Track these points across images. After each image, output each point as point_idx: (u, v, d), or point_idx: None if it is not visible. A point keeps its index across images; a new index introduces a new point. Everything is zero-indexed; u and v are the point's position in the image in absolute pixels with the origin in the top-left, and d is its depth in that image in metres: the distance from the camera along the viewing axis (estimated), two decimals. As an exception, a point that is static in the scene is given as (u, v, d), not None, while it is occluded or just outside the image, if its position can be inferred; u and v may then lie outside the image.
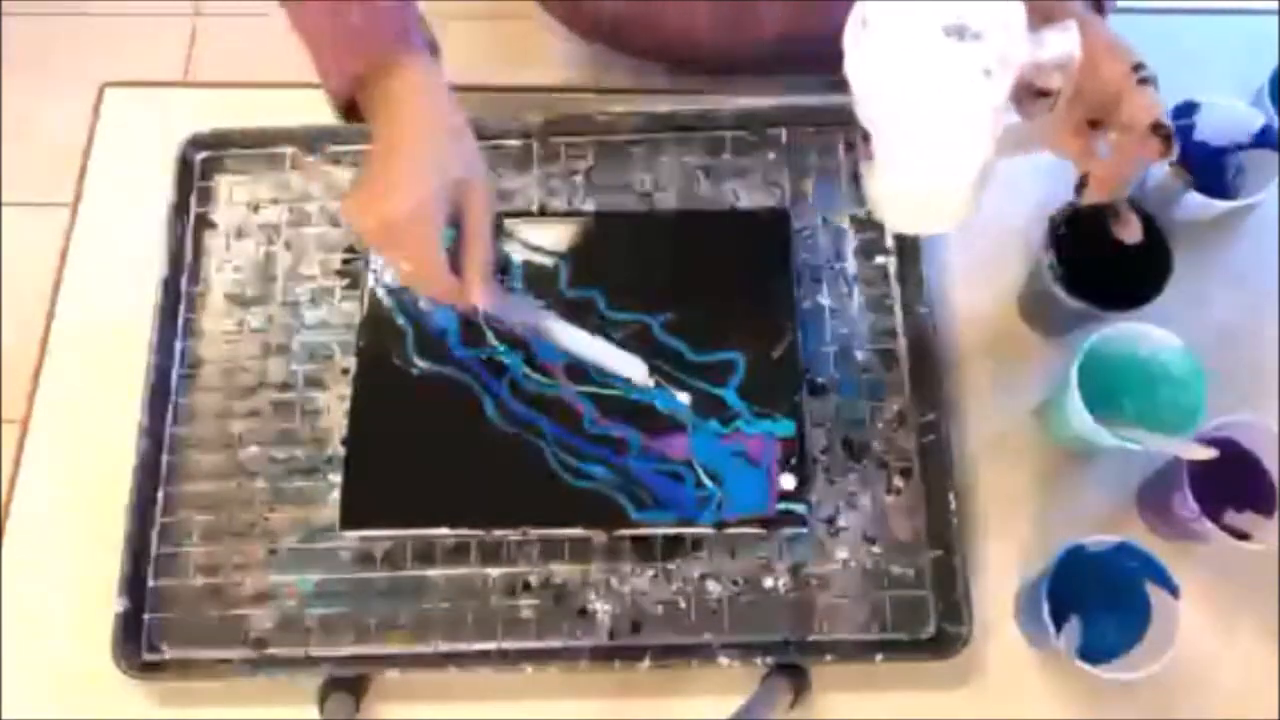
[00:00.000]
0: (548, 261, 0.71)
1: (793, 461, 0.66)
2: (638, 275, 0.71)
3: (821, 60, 0.81)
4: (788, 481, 0.65)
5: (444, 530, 0.65)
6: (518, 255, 0.71)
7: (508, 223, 0.72)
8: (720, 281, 0.71)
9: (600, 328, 0.68)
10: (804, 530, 0.65)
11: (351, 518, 0.66)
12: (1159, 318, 0.64)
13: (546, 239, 0.72)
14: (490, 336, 0.69)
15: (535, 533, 0.66)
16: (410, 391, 0.68)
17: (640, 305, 0.69)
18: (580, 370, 0.68)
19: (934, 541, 0.67)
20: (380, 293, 0.70)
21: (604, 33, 0.85)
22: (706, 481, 0.65)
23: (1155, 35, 0.80)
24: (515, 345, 0.69)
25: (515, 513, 0.66)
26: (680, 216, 0.74)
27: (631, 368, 0.67)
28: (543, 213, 0.75)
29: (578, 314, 0.68)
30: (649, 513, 0.65)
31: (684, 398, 0.67)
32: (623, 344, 0.68)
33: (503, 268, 0.71)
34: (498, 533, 0.66)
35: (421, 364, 0.68)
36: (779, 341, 0.69)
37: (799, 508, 0.65)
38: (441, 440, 0.67)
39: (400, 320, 0.69)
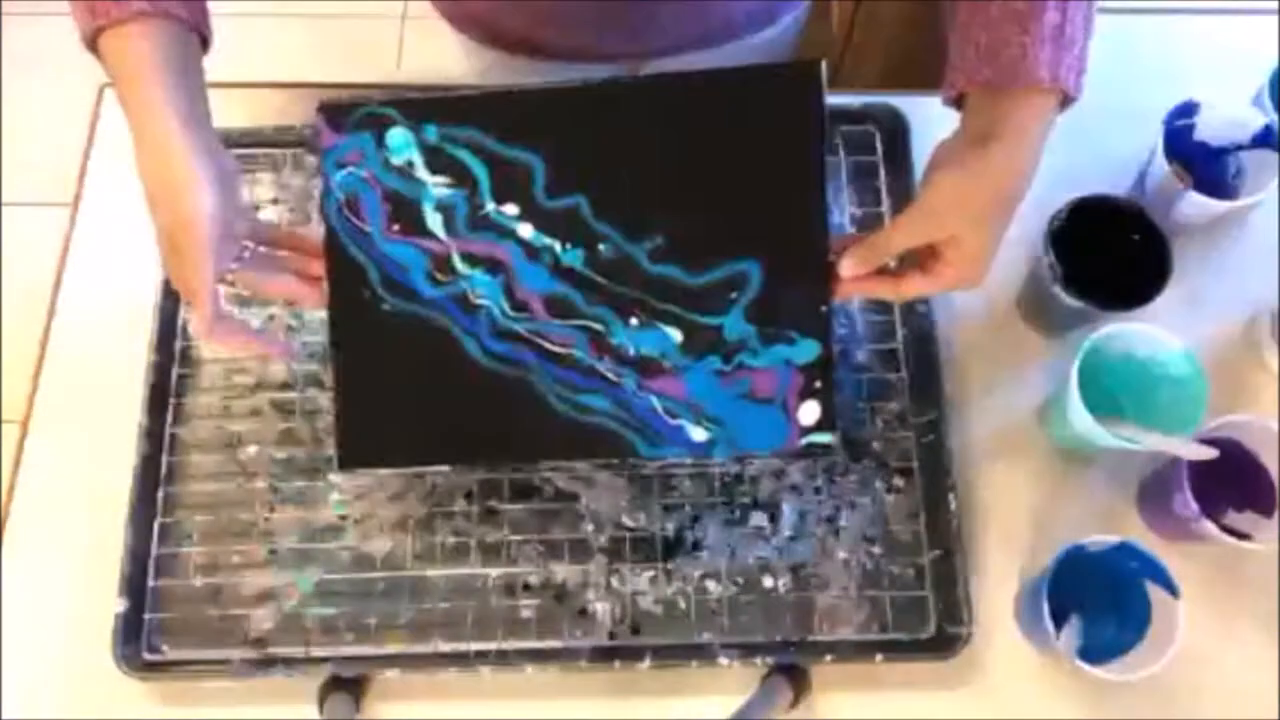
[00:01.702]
0: (521, 159, 0.61)
1: (817, 386, 0.59)
2: (628, 171, 0.61)
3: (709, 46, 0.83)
4: (809, 413, 0.60)
5: (444, 468, 0.63)
6: (480, 156, 0.61)
7: (464, 111, 0.62)
8: (734, 165, 0.60)
9: (586, 259, 0.60)
10: (834, 460, 0.62)
11: (349, 457, 0.62)
12: (1159, 318, 0.64)
13: (516, 127, 0.62)
14: (459, 264, 0.61)
15: (546, 466, 0.64)
16: (387, 330, 0.61)
17: (630, 216, 0.60)
18: (561, 302, 0.61)
19: (934, 541, 0.67)
20: (333, 219, 0.62)
21: (494, 36, 0.85)
22: (706, 426, 0.60)
23: (1155, 35, 0.81)
24: (493, 269, 0.61)
25: (518, 449, 0.62)
26: (681, 83, 0.63)
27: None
28: (509, 93, 0.63)
29: (559, 229, 0.61)
30: (660, 448, 0.60)
31: (675, 334, 0.60)
32: (607, 287, 0.60)
33: (459, 177, 0.61)
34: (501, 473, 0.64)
35: (391, 301, 0.61)
36: (804, 235, 0.59)
37: (824, 438, 0.60)
38: (429, 380, 0.62)
39: (358, 255, 0.62)
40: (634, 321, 0.61)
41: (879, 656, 0.64)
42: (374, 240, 0.62)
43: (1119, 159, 0.74)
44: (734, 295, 0.60)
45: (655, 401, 0.61)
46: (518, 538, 0.67)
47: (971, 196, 0.55)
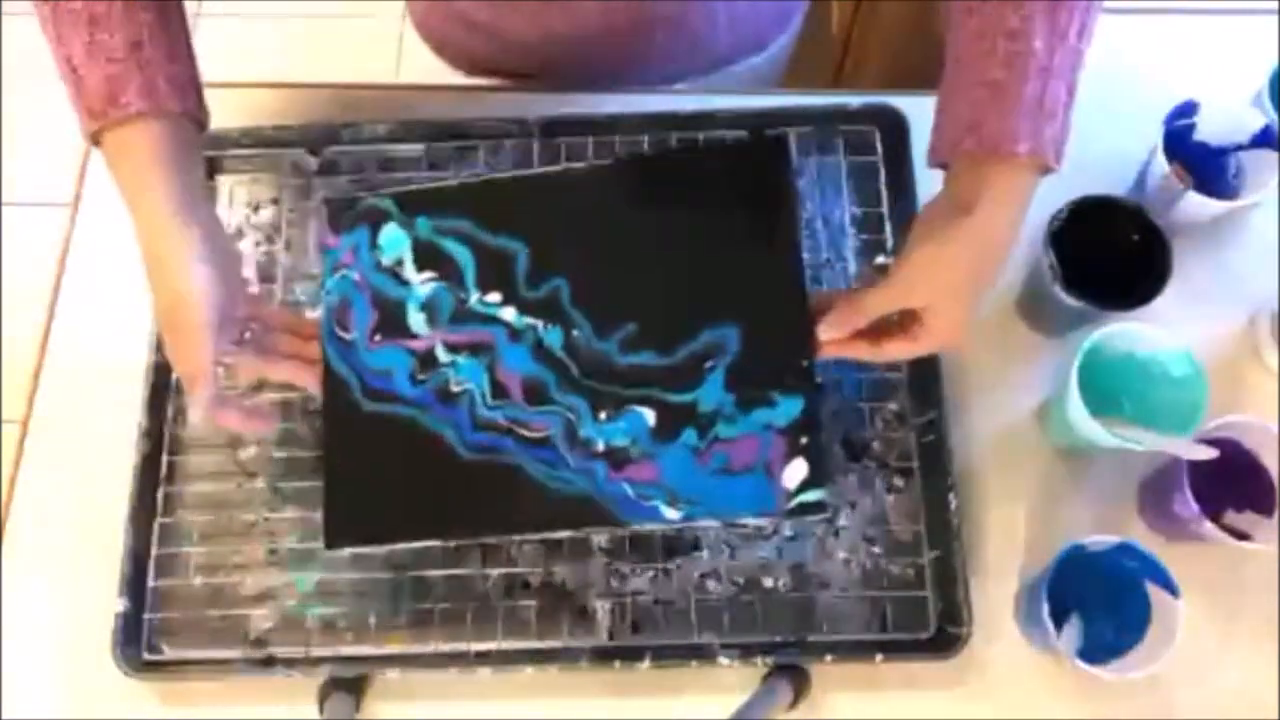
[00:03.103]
0: (506, 247, 0.66)
1: (803, 443, 0.60)
2: (607, 251, 0.64)
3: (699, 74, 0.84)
4: (796, 473, 0.60)
5: (433, 543, 0.65)
6: (468, 245, 0.66)
7: (456, 201, 0.67)
8: (710, 234, 0.64)
9: (564, 343, 0.64)
10: (826, 517, 0.61)
11: (336, 537, 0.64)
12: (1159, 318, 0.64)
13: (502, 215, 0.66)
14: (442, 354, 0.65)
15: (532, 538, 0.66)
16: (371, 428, 0.64)
17: (605, 304, 0.64)
18: (539, 387, 0.63)
19: (934, 541, 0.67)
20: (324, 328, 0.66)
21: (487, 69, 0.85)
22: (679, 507, 0.61)
23: (1155, 35, 0.81)
24: (476, 351, 0.64)
25: (505, 522, 0.63)
26: (656, 163, 0.68)
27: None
28: (481, 182, 0.69)
29: (540, 312, 0.64)
30: (641, 520, 0.62)
31: (648, 415, 0.62)
32: (579, 380, 0.63)
33: (446, 270, 0.66)
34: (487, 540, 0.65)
35: (372, 406, 0.65)
36: (782, 296, 0.61)
37: (813, 496, 0.60)
38: (412, 470, 0.64)
39: (341, 367, 0.66)
40: (603, 416, 0.63)
41: (879, 656, 0.64)
42: (357, 349, 0.66)
43: (1119, 159, 0.74)
44: (710, 364, 0.62)
45: (627, 488, 0.62)
46: (518, 537, 0.67)
47: (947, 268, 0.56)
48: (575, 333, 0.64)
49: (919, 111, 0.74)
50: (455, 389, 0.64)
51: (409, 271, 0.67)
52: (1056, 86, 0.55)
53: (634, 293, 0.64)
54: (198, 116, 0.60)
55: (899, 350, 0.59)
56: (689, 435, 0.62)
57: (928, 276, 0.56)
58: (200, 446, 0.71)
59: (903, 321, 0.59)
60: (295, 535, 0.68)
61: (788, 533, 0.67)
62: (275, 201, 0.77)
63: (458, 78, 0.88)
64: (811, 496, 0.60)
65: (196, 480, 0.70)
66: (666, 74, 0.83)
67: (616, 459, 0.62)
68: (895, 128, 0.75)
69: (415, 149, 0.77)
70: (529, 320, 0.65)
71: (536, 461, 0.62)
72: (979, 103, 0.55)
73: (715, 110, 0.77)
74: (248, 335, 0.61)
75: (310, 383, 0.65)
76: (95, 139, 0.58)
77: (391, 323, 0.66)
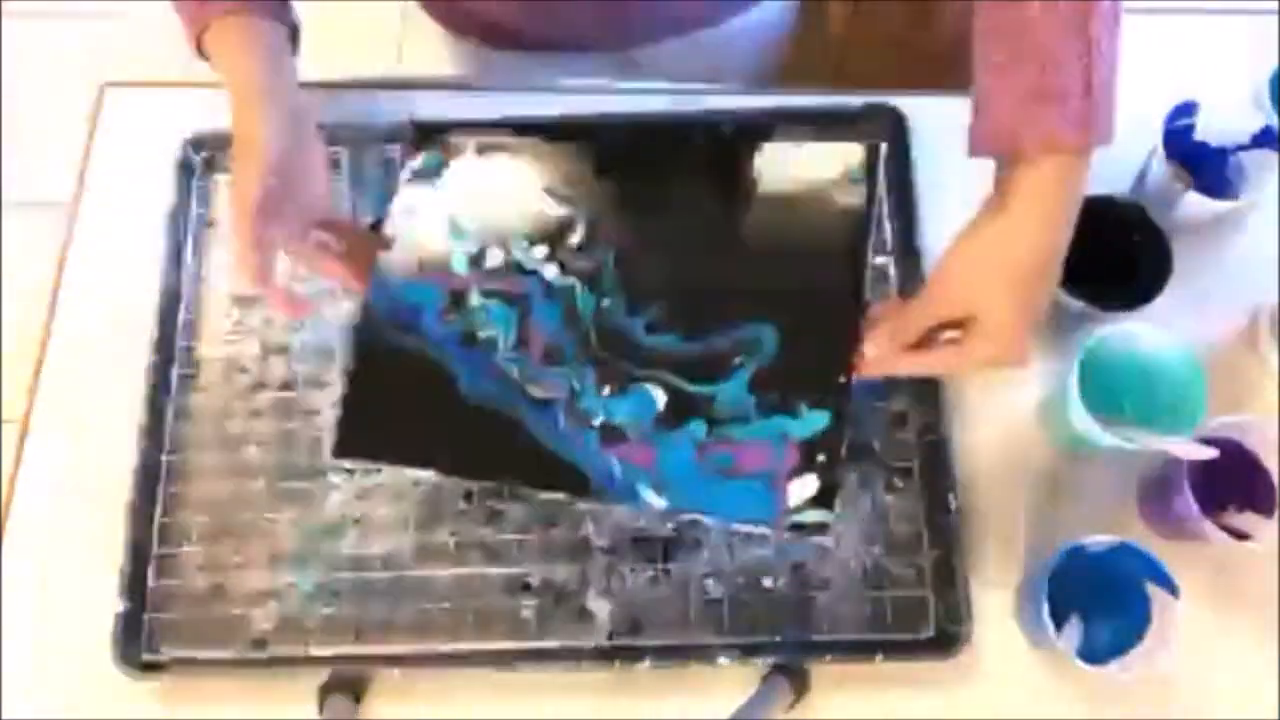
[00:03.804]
0: (564, 217, 0.66)
1: (819, 460, 0.57)
2: (663, 225, 0.64)
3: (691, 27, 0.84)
4: (803, 489, 0.57)
5: (428, 473, 0.64)
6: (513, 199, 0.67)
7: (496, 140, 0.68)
8: (776, 223, 0.62)
9: (594, 310, 0.63)
10: (826, 541, 0.58)
11: (346, 446, 0.64)
12: (1159, 318, 0.64)
13: (546, 171, 0.67)
14: (475, 298, 0.65)
15: (524, 490, 0.65)
16: (390, 353, 0.65)
17: (642, 281, 0.63)
18: (556, 349, 0.63)
19: (934, 541, 0.67)
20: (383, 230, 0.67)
21: (477, 27, 0.87)
22: (664, 497, 0.59)
23: (1155, 35, 0.81)
24: (511, 301, 0.64)
25: (505, 468, 0.63)
26: (743, 135, 0.66)
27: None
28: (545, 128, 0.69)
29: (582, 275, 0.64)
30: (623, 501, 0.62)
31: (659, 397, 0.61)
32: (596, 350, 0.63)
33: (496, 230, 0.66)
34: (475, 485, 0.65)
35: (394, 337, 0.65)
36: (835, 301, 0.58)
37: (817, 516, 0.57)
38: (422, 398, 0.64)
39: (375, 293, 0.66)
40: (607, 390, 0.62)
41: (879, 656, 0.64)
42: (394, 278, 0.66)
43: (1119, 159, 0.73)
44: (739, 360, 0.60)
45: (615, 466, 0.61)
46: (518, 538, 0.67)
47: (981, 269, 0.53)
48: (605, 302, 0.64)
49: (919, 111, 0.74)
50: (480, 334, 0.64)
51: (463, 219, 0.67)
52: (1066, 58, 0.51)
53: (677, 273, 0.63)
54: (286, 19, 0.66)
55: (948, 363, 0.56)
56: (696, 427, 0.60)
57: (962, 281, 0.54)
58: (200, 446, 0.71)
59: (957, 331, 0.56)
60: (295, 535, 0.68)
61: (788, 535, 0.67)
62: (275, 201, 0.77)
63: (456, 74, 0.88)
64: (813, 517, 0.57)
65: (196, 480, 0.70)
66: (647, 26, 0.83)
67: (611, 435, 0.61)
68: (895, 128, 0.75)
69: (415, 149, 0.77)
70: (567, 281, 0.64)
71: (537, 421, 0.62)
72: (987, 93, 0.54)
73: (715, 110, 0.77)
74: (313, 236, 0.65)
75: (356, 287, 0.66)
76: (200, 34, 0.63)
77: (436, 259, 0.66)
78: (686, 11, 0.84)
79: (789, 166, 0.63)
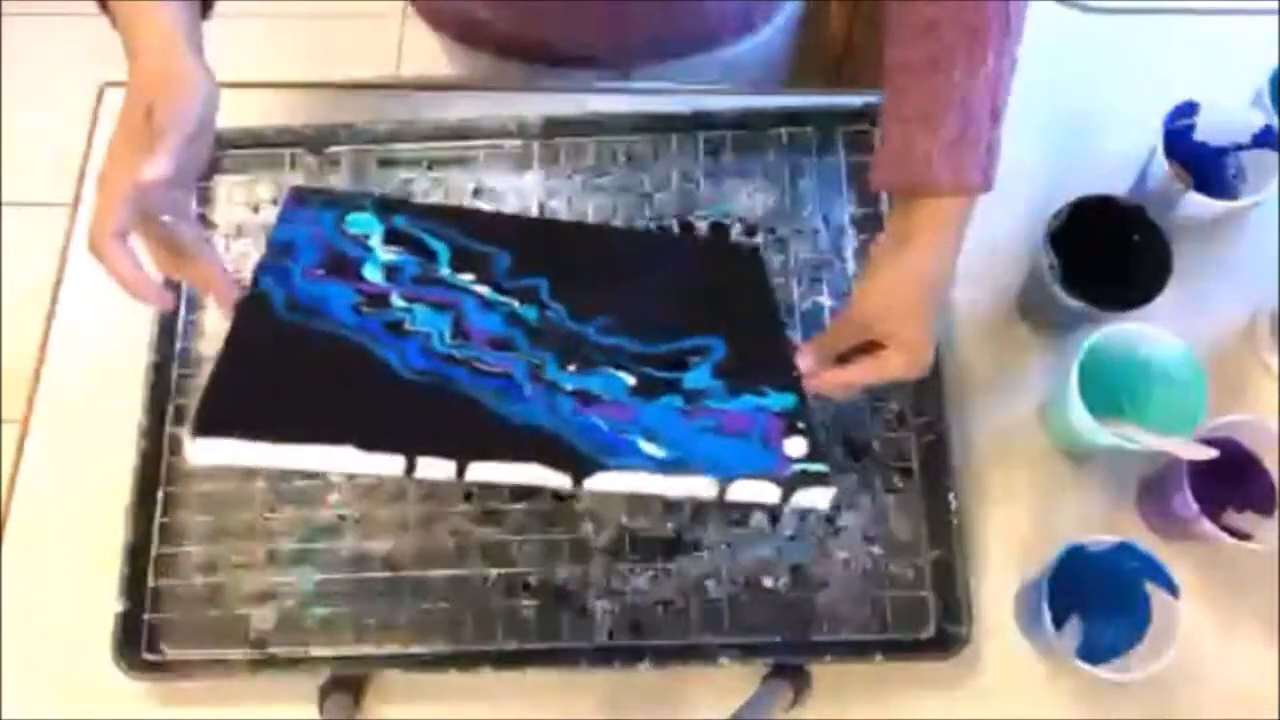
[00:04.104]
0: (486, 251, 0.62)
1: (800, 427, 0.56)
2: (588, 275, 0.63)
3: (689, 51, 0.84)
4: (795, 447, 0.55)
5: (349, 450, 0.48)
6: (442, 239, 0.62)
7: (438, 213, 0.65)
8: (692, 290, 0.65)
9: (539, 320, 0.59)
10: (832, 492, 0.53)
11: (217, 422, 0.48)
12: (1159, 318, 0.64)
13: (483, 232, 0.64)
14: (397, 300, 0.57)
15: (471, 472, 0.50)
16: (289, 337, 0.54)
17: (581, 298, 0.60)
18: (504, 341, 0.57)
19: (934, 541, 0.67)
20: (258, 269, 0.58)
21: (483, 39, 0.86)
22: (660, 446, 0.52)
23: (1155, 35, 0.81)
24: (440, 309, 0.57)
25: (447, 443, 0.50)
26: (638, 237, 0.71)
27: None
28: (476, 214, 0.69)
29: (516, 296, 0.60)
30: (621, 459, 0.51)
31: (627, 379, 0.56)
32: (550, 341, 0.58)
33: (417, 250, 0.61)
34: (422, 468, 0.49)
35: (293, 317, 0.55)
36: (764, 334, 0.63)
37: (817, 467, 0.54)
38: (342, 371, 0.53)
39: (267, 282, 0.57)
40: (572, 368, 0.56)
41: (879, 656, 0.64)
42: (291, 276, 0.58)
43: (1119, 159, 0.73)
44: (695, 361, 0.60)
45: (599, 421, 0.54)
46: (518, 538, 0.67)
47: (893, 301, 0.59)
48: (549, 312, 0.60)
49: (919, 111, 0.74)
50: (408, 327, 0.56)
51: (374, 242, 0.61)
52: (980, 110, 0.57)
53: (615, 296, 0.62)
54: None
55: (866, 374, 0.61)
56: (672, 399, 0.56)
57: (879, 313, 0.59)
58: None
59: (872, 349, 0.61)
60: (295, 535, 0.68)
61: (788, 533, 0.67)
62: (275, 201, 0.77)
63: (457, 73, 0.89)
64: (816, 467, 0.54)
65: (196, 480, 0.70)
66: (657, 39, 0.83)
67: (586, 399, 0.55)
68: (895, 128, 0.75)
69: (415, 149, 0.77)
70: (503, 299, 0.59)
71: (492, 393, 0.53)
72: (906, 136, 0.58)
73: (715, 110, 0.77)
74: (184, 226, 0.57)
75: (227, 297, 0.57)
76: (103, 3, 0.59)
77: (340, 266, 0.58)
78: (688, 34, 0.84)
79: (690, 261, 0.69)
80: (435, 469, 0.49)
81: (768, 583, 0.67)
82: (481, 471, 0.50)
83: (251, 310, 0.55)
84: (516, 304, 0.60)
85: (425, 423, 0.51)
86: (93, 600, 0.67)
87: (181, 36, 0.57)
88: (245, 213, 0.76)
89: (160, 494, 0.69)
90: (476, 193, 0.76)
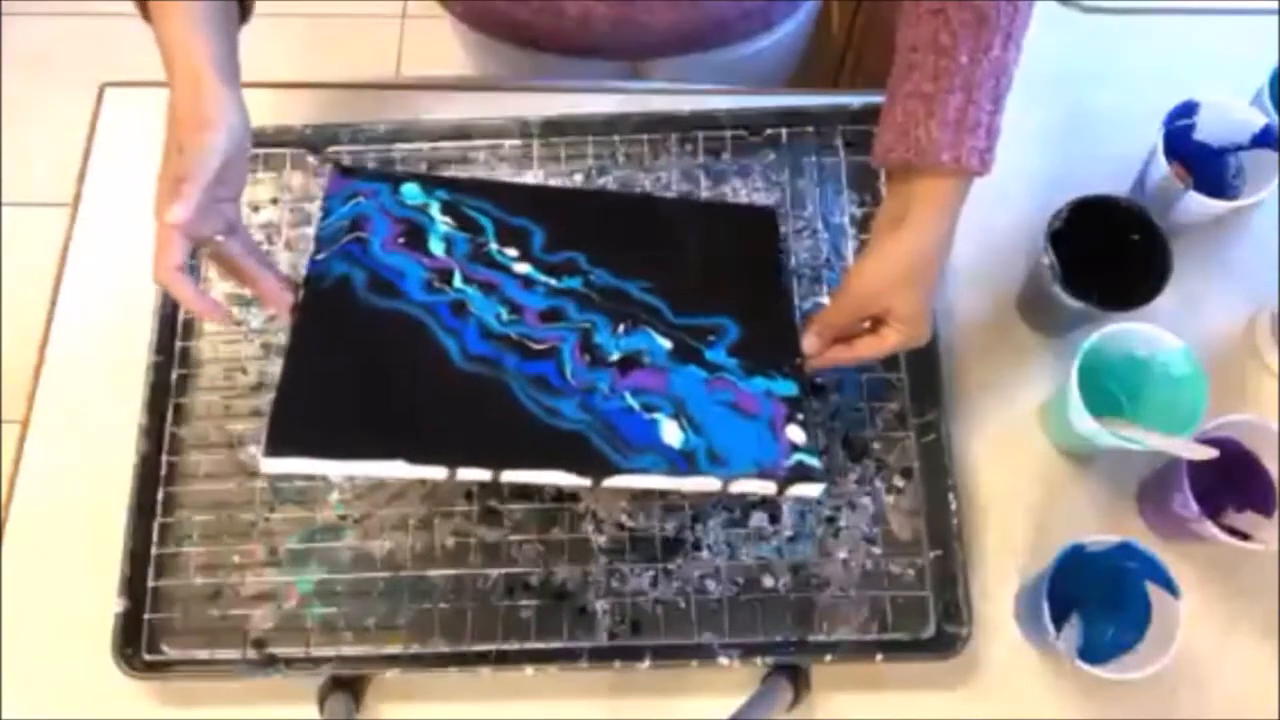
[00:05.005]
0: (524, 225, 0.67)
1: (800, 418, 0.61)
2: (619, 247, 0.67)
3: (706, 46, 0.84)
4: (795, 434, 0.60)
5: (399, 464, 0.55)
6: (487, 217, 0.67)
7: (474, 188, 0.69)
8: (710, 266, 0.68)
9: (585, 285, 0.65)
10: (822, 486, 0.58)
11: (285, 442, 0.54)
12: (1159, 318, 0.64)
13: (519, 206, 0.68)
14: (459, 280, 0.63)
15: (505, 476, 0.56)
16: (358, 327, 0.60)
17: (619, 264, 0.66)
18: (555, 312, 0.63)
19: (934, 541, 0.67)
20: (324, 238, 0.64)
21: (498, 26, 0.86)
22: (683, 426, 0.59)
23: (1155, 35, 0.81)
24: (489, 291, 0.63)
25: (481, 449, 0.56)
26: (663, 204, 0.73)
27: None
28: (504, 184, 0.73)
29: (556, 271, 0.65)
30: (632, 460, 0.57)
31: (664, 343, 0.63)
32: (600, 302, 0.64)
33: (467, 225, 0.66)
34: (462, 475, 0.55)
35: (373, 300, 0.61)
36: (774, 312, 0.67)
37: (812, 459, 0.59)
38: (396, 376, 0.58)
39: (343, 267, 0.62)
40: (621, 328, 0.63)
41: (879, 656, 0.64)
42: (371, 250, 0.64)
43: (1119, 159, 0.74)
44: (713, 339, 0.64)
45: (630, 399, 0.60)
46: (518, 538, 0.67)
47: (890, 278, 0.60)
48: (593, 277, 0.65)
49: (919, 111, 0.74)
50: (469, 309, 0.62)
51: (434, 211, 0.67)
52: (981, 95, 0.58)
53: (648, 268, 0.67)
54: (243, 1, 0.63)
55: (870, 349, 0.63)
56: (698, 369, 0.63)
57: (876, 290, 0.61)
58: (200, 446, 0.71)
59: (871, 325, 0.63)
60: (295, 535, 0.68)
61: (788, 533, 0.67)
62: (275, 201, 0.77)
63: (469, 60, 0.88)
64: (811, 459, 0.59)
65: (196, 480, 0.70)
66: (675, 32, 0.83)
67: (627, 366, 0.61)
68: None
69: (415, 149, 0.77)
70: (543, 277, 0.65)
71: (532, 385, 0.59)
72: (909, 113, 0.59)
73: (715, 110, 0.77)
74: (234, 239, 0.60)
75: (284, 305, 0.61)
76: (144, 10, 0.61)
77: (414, 237, 0.65)
78: (710, 29, 0.84)
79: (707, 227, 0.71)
80: (473, 475, 0.55)
81: (768, 583, 0.67)
82: (513, 476, 0.56)
83: (313, 309, 0.60)
84: (558, 279, 0.65)
85: (467, 430, 0.57)
86: (93, 600, 0.67)
87: (212, 68, 0.58)
88: (245, 213, 0.76)
89: (160, 494, 0.69)
90: (476, 193, 0.77)
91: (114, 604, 0.65)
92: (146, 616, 0.66)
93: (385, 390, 0.58)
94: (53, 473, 0.72)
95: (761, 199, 0.76)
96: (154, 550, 0.68)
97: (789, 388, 0.63)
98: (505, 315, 0.62)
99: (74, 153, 0.80)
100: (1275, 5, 0.80)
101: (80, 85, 0.82)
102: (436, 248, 0.65)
